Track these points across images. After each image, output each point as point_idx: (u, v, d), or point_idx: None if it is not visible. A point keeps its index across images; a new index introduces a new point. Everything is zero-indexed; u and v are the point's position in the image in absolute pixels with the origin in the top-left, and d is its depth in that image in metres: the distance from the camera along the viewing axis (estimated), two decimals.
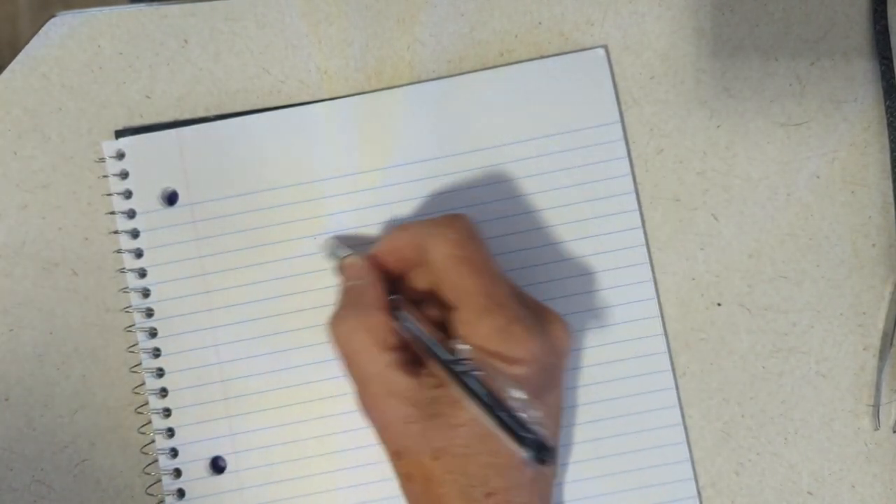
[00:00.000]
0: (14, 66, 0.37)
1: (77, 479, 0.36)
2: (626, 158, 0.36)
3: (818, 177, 0.37)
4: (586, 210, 0.36)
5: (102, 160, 0.37)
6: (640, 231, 0.36)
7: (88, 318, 0.37)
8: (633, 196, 0.36)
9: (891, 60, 0.36)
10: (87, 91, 0.37)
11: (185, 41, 0.37)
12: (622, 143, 0.36)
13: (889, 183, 0.36)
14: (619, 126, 0.36)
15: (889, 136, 0.36)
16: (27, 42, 0.37)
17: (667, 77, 0.37)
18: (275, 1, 0.37)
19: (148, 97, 0.37)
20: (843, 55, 0.37)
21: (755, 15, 0.37)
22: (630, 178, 0.36)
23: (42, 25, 0.37)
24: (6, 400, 0.37)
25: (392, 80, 0.37)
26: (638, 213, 0.36)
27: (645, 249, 0.36)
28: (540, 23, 0.37)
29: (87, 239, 0.37)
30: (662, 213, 0.37)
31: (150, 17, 0.37)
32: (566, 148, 0.36)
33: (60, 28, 0.37)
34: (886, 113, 0.36)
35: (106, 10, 0.37)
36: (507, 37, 0.37)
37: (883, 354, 0.36)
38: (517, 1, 0.37)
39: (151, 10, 0.37)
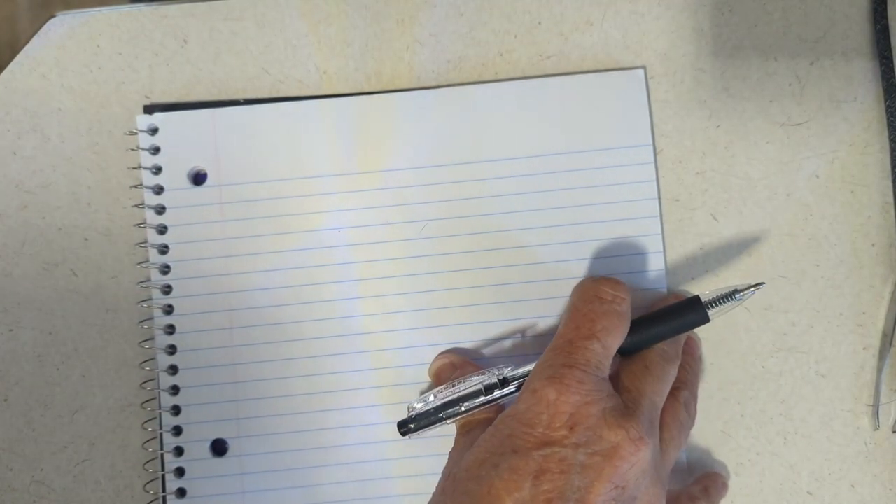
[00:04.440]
0: (14, 66, 0.37)
1: (77, 479, 0.36)
2: (654, 182, 0.36)
3: (818, 176, 0.37)
4: (607, 229, 0.36)
5: (134, 139, 0.37)
6: (661, 255, 0.36)
7: (88, 318, 0.37)
8: (658, 220, 0.36)
9: (891, 60, 0.36)
10: (86, 91, 0.37)
11: (185, 41, 0.37)
12: (651, 167, 0.36)
13: (889, 183, 0.36)
14: (650, 149, 0.36)
15: (889, 136, 0.36)
16: (27, 42, 0.37)
17: (666, 77, 0.37)
18: (275, 1, 0.37)
19: (147, 97, 0.37)
20: (843, 55, 0.37)
21: (755, 15, 0.37)
22: (656, 202, 0.36)
23: (42, 25, 0.37)
24: (6, 400, 0.37)
25: (391, 81, 0.37)
26: (660, 237, 0.36)
27: (664, 274, 0.36)
28: (539, 23, 0.37)
29: (86, 239, 0.37)
30: (662, 213, 0.37)
31: (150, 16, 0.37)
32: (593, 166, 0.36)
33: (60, 28, 0.37)
34: (886, 113, 0.36)
35: (105, 10, 0.37)
36: (506, 37, 0.37)
37: (883, 354, 0.36)
38: (517, 1, 0.37)
39: (151, 10, 0.37)
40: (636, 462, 0.29)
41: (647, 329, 0.33)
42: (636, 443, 0.29)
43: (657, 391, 0.31)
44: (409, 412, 0.33)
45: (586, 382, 0.30)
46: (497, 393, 0.32)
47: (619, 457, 0.28)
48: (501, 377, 0.32)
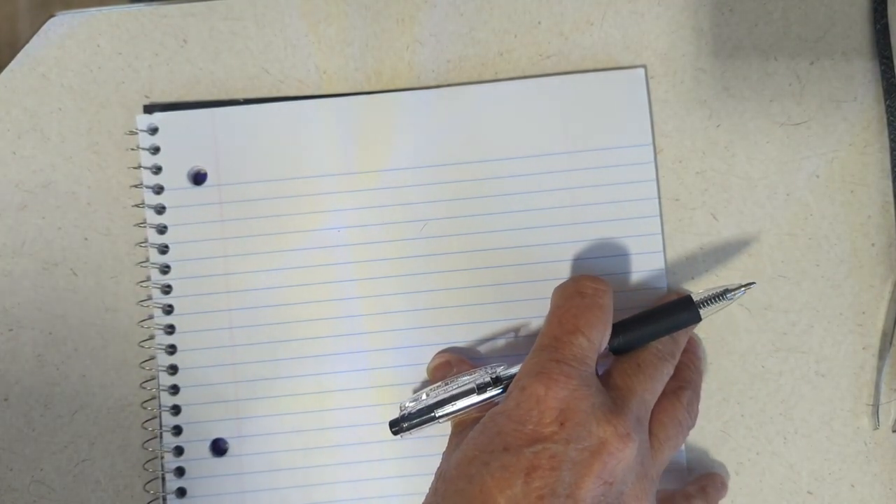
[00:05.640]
0: (13, 66, 0.37)
1: (77, 479, 0.36)
2: (654, 182, 0.36)
3: (818, 176, 0.37)
4: (607, 229, 0.36)
5: (134, 138, 0.37)
6: (661, 255, 0.36)
7: (88, 318, 0.37)
8: (658, 220, 0.36)
9: (891, 60, 0.36)
10: (86, 91, 0.37)
11: (185, 41, 0.37)
12: (651, 167, 0.36)
13: (889, 183, 0.36)
14: (650, 148, 0.36)
15: (889, 136, 0.36)
16: (27, 42, 0.37)
17: (666, 77, 0.37)
18: (275, 1, 0.37)
19: (147, 97, 0.37)
20: (842, 55, 0.37)
21: (755, 15, 0.37)
22: (656, 202, 0.36)
23: (41, 25, 0.37)
24: (6, 400, 0.37)
25: (391, 80, 0.37)
26: (660, 236, 0.36)
27: (664, 274, 0.36)
28: (539, 22, 0.37)
29: (86, 239, 0.37)
30: (662, 212, 0.37)
31: (150, 16, 0.37)
32: (593, 165, 0.36)
33: (60, 28, 0.37)
34: (886, 112, 0.36)
35: (105, 9, 0.37)
36: (506, 36, 0.37)
37: (882, 354, 0.36)
38: (516, 1, 0.37)
39: (151, 10, 0.37)
40: (623, 458, 0.29)
41: (639, 328, 0.33)
42: (623, 439, 0.29)
43: (648, 389, 0.32)
44: (401, 411, 0.33)
45: (574, 377, 0.30)
46: (490, 392, 0.32)
47: (606, 452, 0.29)
48: (494, 376, 0.32)
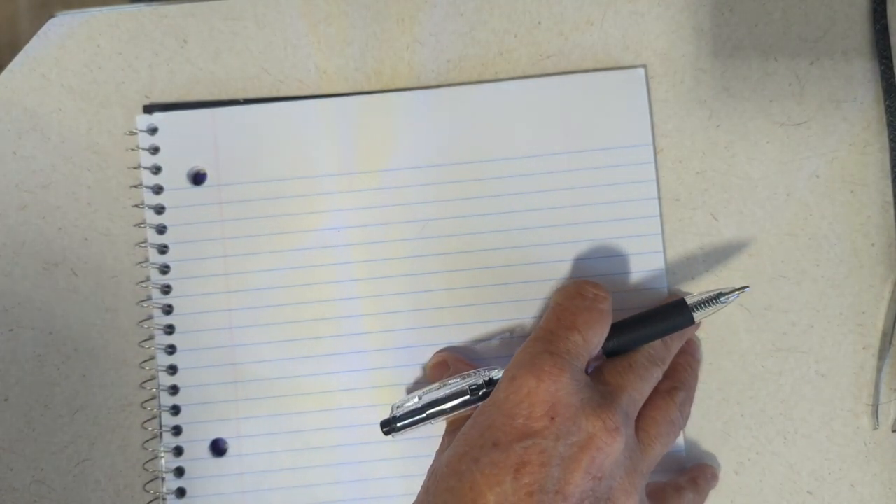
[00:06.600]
0: (14, 66, 0.37)
1: (77, 479, 0.36)
2: (654, 182, 0.36)
3: (818, 176, 0.37)
4: (607, 229, 0.36)
5: (134, 138, 0.37)
6: (661, 255, 0.36)
7: (88, 318, 0.37)
8: (658, 220, 0.36)
9: (891, 60, 0.36)
10: (86, 91, 0.37)
11: (185, 41, 0.37)
12: (651, 166, 0.36)
13: (889, 183, 0.36)
14: (650, 148, 0.36)
15: (889, 136, 0.36)
16: (27, 42, 0.37)
17: (666, 77, 0.37)
18: (275, 1, 0.37)
19: (147, 97, 0.37)
20: (842, 55, 0.37)
21: (755, 15, 0.37)
22: (656, 202, 0.36)
23: (42, 25, 0.37)
24: (6, 400, 0.37)
25: (391, 80, 0.37)
26: (660, 236, 0.36)
27: (664, 274, 0.36)
28: (539, 22, 0.37)
29: (86, 239, 0.37)
30: (662, 212, 0.37)
31: (150, 16, 0.37)
32: (593, 165, 0.36)
33: (60, 28, 0.37)
34: (886, 112, 0.36)
35: (105, 10, 0.37)
36: (506, 36, 0.37)
37: (882, 354, 0.36)
38: (517, 1, 0.37)
39: (151, 10, 0.37)
40: (611, 452, 0.29)
41: (633, 330, 0.33)
42: (612, 433, 0.29)
43: (637, 389, 0.32)
44: (392, 411, 0.33)
45: (566, 370, 0.30)
46: (482, 393, 0.32)
47: (594, 447, 0.29)
48: (487, 378, 0.33)
